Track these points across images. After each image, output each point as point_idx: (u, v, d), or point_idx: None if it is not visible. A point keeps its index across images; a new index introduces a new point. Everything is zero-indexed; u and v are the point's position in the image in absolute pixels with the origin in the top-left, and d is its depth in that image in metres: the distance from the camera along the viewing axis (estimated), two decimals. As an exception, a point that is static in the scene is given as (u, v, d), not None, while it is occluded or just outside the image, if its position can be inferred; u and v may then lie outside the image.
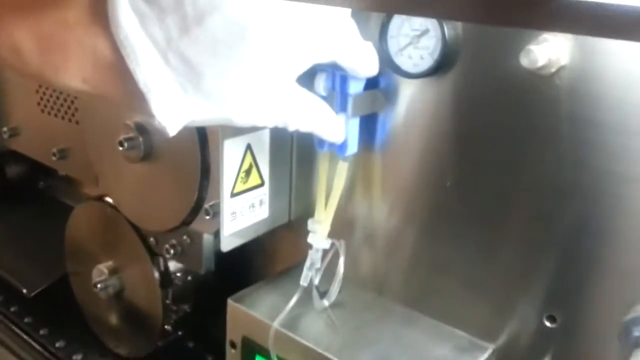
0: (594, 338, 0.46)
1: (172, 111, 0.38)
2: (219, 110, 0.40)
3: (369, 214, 0.58)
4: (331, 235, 0.56)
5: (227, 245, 0.57)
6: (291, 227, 0.64)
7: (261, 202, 0.59)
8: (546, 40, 0.41)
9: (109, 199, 0.70)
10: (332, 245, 0.56)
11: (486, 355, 0.51)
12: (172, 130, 0.39)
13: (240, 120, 0.42)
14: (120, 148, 0.60)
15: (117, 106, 0.61)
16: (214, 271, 0.63)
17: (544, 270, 0.47)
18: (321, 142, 0.52)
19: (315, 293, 0.56)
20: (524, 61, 0.40)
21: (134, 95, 0.38)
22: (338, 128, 0.49)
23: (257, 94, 0.41)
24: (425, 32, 0.47)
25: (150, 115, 0.38)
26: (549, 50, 0.40)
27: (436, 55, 0.46)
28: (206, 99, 0.39)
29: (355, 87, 0.50)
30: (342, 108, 0.50)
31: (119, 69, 0.37)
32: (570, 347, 0.47)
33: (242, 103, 0.41)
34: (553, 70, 0.41)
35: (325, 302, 0.56)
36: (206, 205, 0.58)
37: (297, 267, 0.63)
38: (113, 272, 0.72)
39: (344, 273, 0.57)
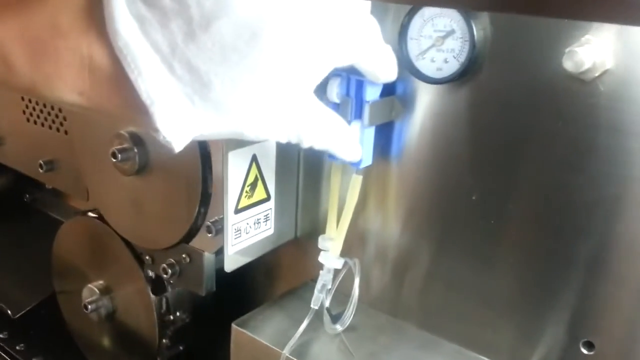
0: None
1: (178, 125, 0.34)
2: (229, 124, 0.36)
3: (383, 230, 0.54)
4: (342, 253, 0.52)
5: (231, 265, 0.52)
6: (297, 244, 0.60)
7: (266, 218, 0.55)
8: (589, 41, 0.37)
9: (100, 214, 0.65)
10: (345, 264, 0.52)
11: (515, 384, 0.47)
12: (178, 146, 0.35)
13: (252, 134, 0.37)
14: (113, 159, 0.56)
15: (115, 120, 0.56)
16: (214, 292, 0.58)
17: (580, 290, 0.44)
18: (334, 153, 0.48)
19: (326, 317, 0.52)
20: (568, 64, 0.36)
21: (135, 109, 0.33)
22: (355, 146, 0.45)
23: (271, 106, 0.37)
24: (450, 33, 0.43)
25: (154, 129, 0.34)
26: (593, 52, 0.37)
27: (462, 58, 0.43)
28: (215, 110, 0.35)
29: (372, 94, 0.46)
30: (357, 116, 0.46)
31: (119, 80, 0.33)
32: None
33: (254, 115, 0.36)
34: (597, 74, 0.38)
35: (339, 327, 0.51)
36: (208, 222, 0.54)
37: (304, 287, 0.59)
38: (105, 292, 0.68)
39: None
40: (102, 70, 0.33)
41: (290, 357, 0.48)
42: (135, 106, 0.33)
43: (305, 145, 0.41)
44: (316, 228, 0.58)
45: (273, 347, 0.49)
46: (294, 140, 0.40)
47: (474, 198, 0.47)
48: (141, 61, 0.32)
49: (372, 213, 0.54)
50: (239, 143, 0.49)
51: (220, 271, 0.55)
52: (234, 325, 0.52)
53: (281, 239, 0.58)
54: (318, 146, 0.42)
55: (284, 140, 0.40)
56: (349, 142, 0.45)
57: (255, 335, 0.51)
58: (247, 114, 0.36)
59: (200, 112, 0.34)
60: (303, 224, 0.59)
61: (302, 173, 0.57)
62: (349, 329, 0.52)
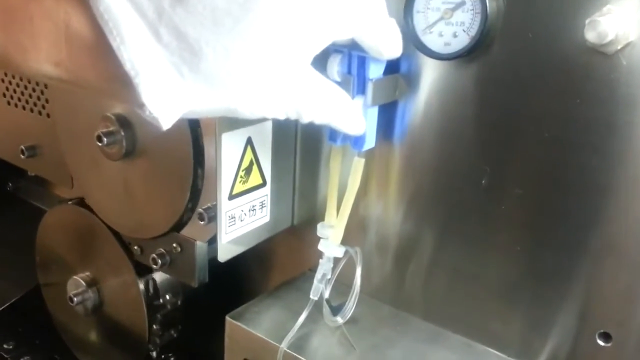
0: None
1: (165, 99, 0.31)
2: (222, 98, 0.33)
3: (385, 217, 0.51)
4: (343, 241, 0.49)
5: (224, 254, 0.49)
6: (294, 233, 0.57)
7: (262, 205, 0.52)
8: (610, 11, 0.35)
9: (85, 202, 0.62)
10: (346, 253, 0.49)
11: (526, 377, 0.45)
12: (166, 123, 0.32)
13: (247, 109, 0.34)
14: (99, 144, 0.52)
15: (96, 95, 0.53)
16: (207, 284, 0.56)
17: (594, 279, 0.41)
18: (334, 134, 0.45)
19: (326, 308, 0.49)
20: (590, 35, 0.34)
21: (117, 81, 0.30)
22: (359, 119, 0.42)
23: (267, 78, 0.34)
24: (460, 4, 0.40)
25: (139, 104, 0.31)
26: (617, 22, 0.34)
27: (473, 31, 0.40)
28: (206, 83, 0.32)
29: (376, 71, 0.43)
30: (359, 95, 0.44)
31: (99, 48, 0.30)
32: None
33: (249, 89, 0.33)
34: (619, 47, 0.35)
35: (339, 319, 0.49)
36: (200, 209, 0.51)
37: (302, 277, 0.56)
38: (91, 284, 0.64)
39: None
40: (81, 38, 0.30)
41: (289, 351, 0.46)
42: (117, 78, 0.30)
43: (305, 120, 0.38)
44: (314, 215, 0.55)
45: (270, 340, 0.47)
46: (292, 116, 0.37)
47: (483, 182, 0.44)
48: (124, 27, 0.29)
49: (374, 199, 0.51)
50: (232, 124, 0.46)
51: (213, 261, 0.52)
52: (228, 318, 0.49)
53: (277, 227, 0.55)
54: (319, 120, 0.39)
55: (282, 116, 0.37)
56: (352, 113, 0.42)
57: (250, 328, 0.48)
58: (242, 87, 0.33)
59: (190, 84, 0.31)
60: (300, 211, 0.56)
61: (299, 157, 0.54)
62: (350, 321, 0.50)
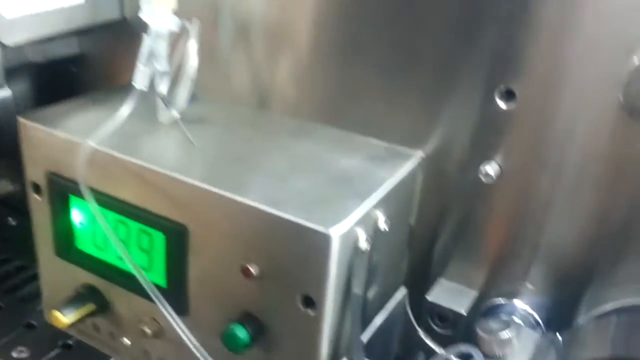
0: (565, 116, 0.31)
1: None
2: None
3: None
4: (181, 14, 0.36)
5: (10, 35, 0.35)
6: (126, 30, 0.43)
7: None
8: None
9: None
10: (183, 28, 0.36)
11: (410, 163, 0.35)
12: None
13: None
14: None
15: None
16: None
17: (497, 36, 0.32)
18: None
19: (159, 101, 0.37)
20: None
21: None
22: None
23: None
24: None
25: None
26: None
27: None
28: None
29: None
30: None
31: None
32: (535, 133, 0.32)
33: None
34: None
35: (175, 112, 0.37)
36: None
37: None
38: None
39: (207, 85, 0.39)
40: None
41: (100, 148, 0.34)
42: None
43: None
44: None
45: (75, 139, 0.34)
46: None
47: None
48: None
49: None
50: None
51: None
52: (20, 119, 0.36)
53: (99, 16, 0.41)
54: None
55: None
56: None
57: (52, 129, 0.35)
58: None
59: None
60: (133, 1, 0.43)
61: None
62: (197, 121, 0.38)
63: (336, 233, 0.28)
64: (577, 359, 0.26)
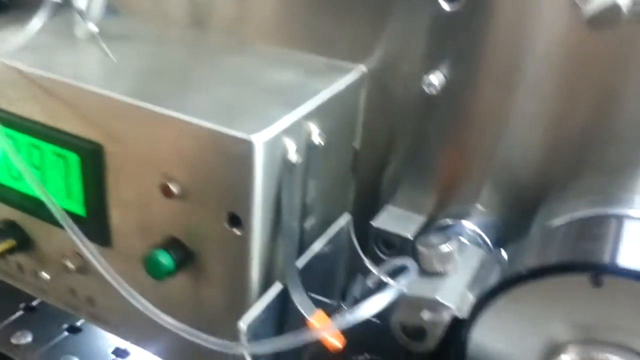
0: (513, 18, 0.29)
1: None
2: None
3: None
4: None
5: None
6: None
7: None
8: None
9: None
10: None
11: (350, 77, 0.32)
12: None
13: None
14: None
15: None
16: None
17: None
18: None
19: (75, 14, 0.34)
20: None
21: None
22: None
23: None
24: None
25: None
26: None
27: None
28: None
29: None
30: None
31: None
32: (480, 37, 0.30)
33: None
34: None
35: (92, 26, 0.33)
36: None
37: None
38: None
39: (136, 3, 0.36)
40: None
41: (8, 62, 0.30)
42: None
43: None
44: None
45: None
46: None
47: None
48: None
49: None
50: None
51: None
52: None
53: None
54: None
55: None
56: None
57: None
58: None
59: None
60: None
61: None
62: (123, 38, 0.35)
63: (259, 140, 0.25)
64: (522, 265, 0.24)
